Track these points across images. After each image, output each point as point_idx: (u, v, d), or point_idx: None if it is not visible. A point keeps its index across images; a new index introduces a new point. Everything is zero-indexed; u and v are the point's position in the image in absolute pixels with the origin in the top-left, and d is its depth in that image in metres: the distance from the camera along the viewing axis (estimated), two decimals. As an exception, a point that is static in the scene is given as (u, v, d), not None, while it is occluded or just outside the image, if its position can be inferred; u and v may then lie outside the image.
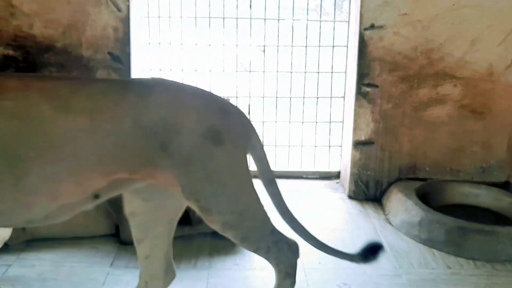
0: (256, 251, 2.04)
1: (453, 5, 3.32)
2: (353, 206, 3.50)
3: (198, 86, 2.03)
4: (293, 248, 2.10)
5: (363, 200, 3.57)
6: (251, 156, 2.00)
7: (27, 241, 2.87)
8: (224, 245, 2.92)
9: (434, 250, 2.90)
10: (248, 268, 2.71)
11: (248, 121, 2.01)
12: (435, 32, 3.36)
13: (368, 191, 3.59)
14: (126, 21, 3.38)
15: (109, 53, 3.38)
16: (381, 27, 3.35)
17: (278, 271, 2.08)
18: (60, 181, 1.74)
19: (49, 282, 2.54)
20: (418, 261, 2.81)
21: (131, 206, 2.06)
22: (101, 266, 2.69)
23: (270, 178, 2.06)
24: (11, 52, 3.41)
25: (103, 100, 1.79)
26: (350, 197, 3.62)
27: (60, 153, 1.71)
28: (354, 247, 2.92)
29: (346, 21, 3.66)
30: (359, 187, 3.59)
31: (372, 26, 3.35)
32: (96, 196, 1.87)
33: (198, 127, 1.80)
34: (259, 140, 2.02)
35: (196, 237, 2.98)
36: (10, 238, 2.73)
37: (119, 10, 3.36)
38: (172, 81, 1.97)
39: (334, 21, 3.88)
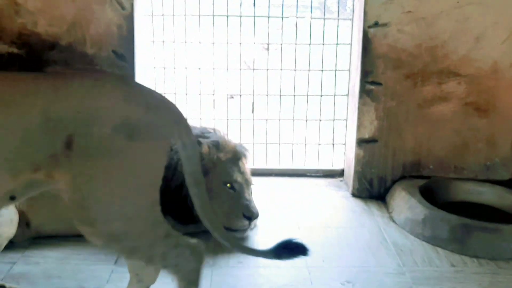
0: (150, 261, 1.91)
1: (457, 2, 3.31)
2: (357, 204, 3.50)
3: (141, 82, 1.95)
4: (197, 252, 1.99)
5: (367, 198, 3.57)
6: (180, 155, 1.95)
7: (32, 238, 2.88)
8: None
9: (438, 248, 2.90)
10: (252, 266, 2.71)
11: (180, 118, 1.93)
12: (439, 29, 3.35)
13: (372, 189, 3.59)
14: (130, 19, 3.38)
15: (113, 51, 3.39)
16: (385, 24, 3.34)
17: (180, 279, 1.97)
18: None
19: (54, 279, 2.55)
20: (422, 259, 2.81)
21: None
22: (106, 263, 2.70)
23: (198, 179, 2.01)
24: (15, 50, 3.42)
25: (11, 92, 1.71)
26: (353, 195, 3.62)
27: None
28: (357, 245, 2.94)
29: (350, 19, 3.66)
30: (363, 185, 3.59)
31: (376, 24, 3.34)
32: (12, 198, 1.77)
33: (112, 119, 1.72)
34: (191, 139, 1.95)
35: (200, 235, 2.96)
36: (15, 236, 2.74)
37: (123, 8, 3.37)
38: (105, 73, 1.87)
39: (338, 19, 3.88)
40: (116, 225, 1.79)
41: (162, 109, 1.87)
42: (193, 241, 1.99)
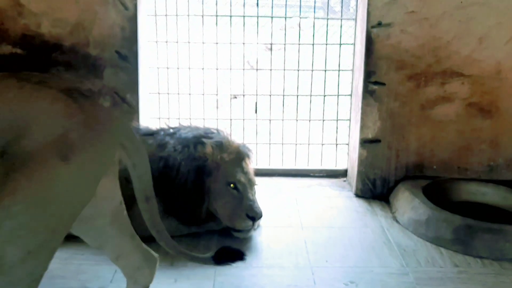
0: None
1: (461, 2, 3.30)
2: (360, 204, 3.50)
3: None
4: None
5: (370, 198, 3.57)
6: (130, 173, 1.89)
7: (35, 238, 2.89)
8: (231, 243, 2.92)
9: (442, 249, 2.90)
10: (255, 266, 2.71)
11: (129, 137, 1.84)
12: (443, 30, 3.35)
13: (375, 189, 3.58)
14: (133, 19, 3.39)
15: (117, 51, 3.40)
16: (388, 25, 3.34)
17: None
18: None
19: (57, 279, 2.56)
20: (425, 259, 2.80)
21: None
22: (109, 263, 2.66)
23: (148, 196, 1.96)
24: (19, 51, 3.43)
25: None
26: (357, 195, 3.62)
27: None
28: (361, 245, 2.94)
29: (353, 19, 3.66)
30: (366, 185, 3.59)
31: (379, 24, 3.34)
32: None
33: (46, 135, 1.57)
34: (142, 158, 1.88)
35: (203, 235, 2.99)
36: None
37: (126, 8, 3.37)
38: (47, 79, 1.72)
39: (341, 19, 3.88)
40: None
41: (104, 130, 1.71)
42: None
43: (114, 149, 1.78)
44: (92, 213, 1.90)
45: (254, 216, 2.93)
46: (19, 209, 1.54)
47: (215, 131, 3.14)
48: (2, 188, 1.52)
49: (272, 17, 3.88)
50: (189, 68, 3.94)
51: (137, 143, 1.88)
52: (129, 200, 3.02)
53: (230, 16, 3.84)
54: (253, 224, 2.95)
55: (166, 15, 3.81)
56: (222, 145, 3.03)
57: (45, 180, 1.57)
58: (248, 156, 3.11)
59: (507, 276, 2.65)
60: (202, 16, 3.84)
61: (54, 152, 1.57)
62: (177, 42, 3.84)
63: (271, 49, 3.96)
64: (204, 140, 3.01)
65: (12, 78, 1.70)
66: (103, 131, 1.71)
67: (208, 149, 2.95)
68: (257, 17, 3.88)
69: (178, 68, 3.93)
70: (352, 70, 3.72)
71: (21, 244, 1.57)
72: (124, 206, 2.09)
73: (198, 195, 2.91)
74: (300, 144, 4.08)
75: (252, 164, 3.17)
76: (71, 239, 2.86)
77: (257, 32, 3.86)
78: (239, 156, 3.05)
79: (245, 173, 3.03)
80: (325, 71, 3.96)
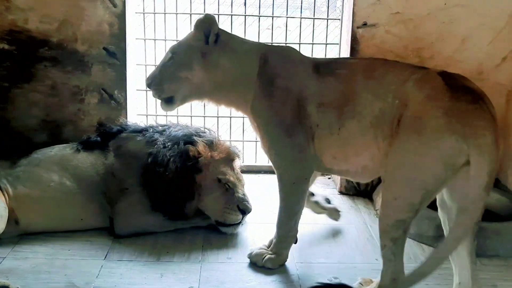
0: None
1: (444, 4, 3.36)
2: (344, 201, 3.54)
3: None
4: None
5: (354, 196, 3.61)
6: None
7: (20, 235, 2.90)
8: (217, 239, 2.96)
9: (424, 245, 2.95)
10: (240, 262, 2.74)
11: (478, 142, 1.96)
12: (426, 31, 3.40)
13: (359, 186, 3.63)
14: (121, 16, 3.40)
15: (105, 48, 3.41)
16: (373, 25, 3.38)
17: None
18: None
19: (43, 274, 2.56)
20: (408, 255, 2.84)
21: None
22: (95, 259, 2.72)
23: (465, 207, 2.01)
24: (6, 47, 3.42)
25: None
26: (341, 192, 3.66)
27: None
28: (345, 242, 2.99)
29: (339, 19, 3.70)
30: (350, 183, 3.63)
31: (365, 24, 3.39)
32: None
33: (412, 112, 2.08)
34: (480, 156, 1.95)
35: (189, 231, 3.01)
36: (3, 233, 2.73)
37: (114, 5, 3.39)
38: None
39: (327, 19, 3.92)
40: None
41: (466, 122, 2.00)
42: None
43: (461, 140, 1.98)
44: (448, 204, 2.28)
45: (244, 209, 2.96)
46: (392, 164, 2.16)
47: (205, 130, 3.18)
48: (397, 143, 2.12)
49: (259, 16, 3.91)
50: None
51: (481, 141, 1.96)
52: (115, 194, 3.04)
53: (218, 15, 3.86)
54: (243, 218, 2.99)
55: (154, 13, 3.82)
56: (212, 144, 3.07)
57: (404, 147, 2.09)
58: (238, 157, 3.16)
59: (487, 272, 2.69)
60: (190, 14, 3.86)
61: (412, 125, 2.07)
62: (165, 40, 3.86)
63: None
64: (195, 138, 3.04)
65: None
66: (457, 119, 2.00)
67: (201, 147, 2.99)
68: (245, 16, 3.91)
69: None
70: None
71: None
72: (476, 223, 2.18)
73: (187, 191, 2.94)
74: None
75: (240, 164, 3.21)
76: (57, 234, 2.91)
77: (245, 31, 3.88)
78: (229, 156, 3.09)
79: (235, 173, 3.07)
80: (311, 70, 3.99)
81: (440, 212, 2.38)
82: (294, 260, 2.76)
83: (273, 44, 2.65)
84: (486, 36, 3.42)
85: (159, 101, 2.68)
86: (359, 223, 3.21)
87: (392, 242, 2.20)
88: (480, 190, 1.94)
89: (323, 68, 2.48)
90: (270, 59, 2.54)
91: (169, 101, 2.62)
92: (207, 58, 2.52)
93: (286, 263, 2.71)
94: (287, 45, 2.76)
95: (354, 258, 2.82)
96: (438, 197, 2.33)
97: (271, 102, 2.49)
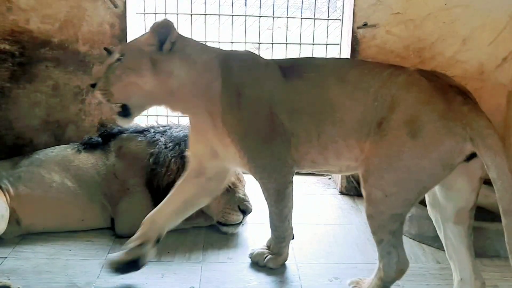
0: None
1: (445, 4, 3.36)
2: (345, 202, 3.54)
3: None
4: None
5: (355, 196, 3.61)
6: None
7: (22, 235, 2.91)
8: (217, 239, 2.97)
9: (424, 245, 2.95)
10: (241, 262, 2.74)
11: (482, 135, 1.97)
12: (427, 31, 3.41)
13: (360, 187, 3.61)
14: (122, 17, 3.41)
15: (106, 49, 3.40)
16: (374, 25, 3.39)
17: None
18: None
19: (44, 274, 2.57)
20: (408, 256, 2.78)
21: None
22: (96, 259, 2.72)
23: (505, 209, 1.99)
24: (7, 47, 3.43)
25: None
26: (342, 192, 3.66)
27: None
28: (345, 242, 2.99)
29: (340, 20, 3.70)
30: (351, 183, 3.63)
31: (365, 25, 3.39)
32: None
33: (405, 114, 2.06)
34: (495, 155, 1.95)
35: (190, 231, 3.02)
36: (5, 233, 2.74)
37: (115, 6, 3.39)
38: None
39: (327, 19, 3.92)
40: None
41: (459, 122, 2.02)
42: None
43: (461, 141, 1.99)
44: (443, 204, 2.26)
45: (245, 209, 2.97)
46: (379, 164, 2.12)
47: None
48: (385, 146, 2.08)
49: (260, 17, 3.92)
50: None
51: (489, 141, 1.96)
52: (117, 195, 3.05)
53: (219, 15, 3.87)
54: (243, 218, 3.00)
55: (155, 14, 3.83)
56: None
57: (396, 149, 2.06)
58: None
59: (487, 273, 2.68)
60: (191, 15, 3.87)
61: (405, 129, 2.03)
62: (165, 40, 3.85)
63: (258, 48, 4.00)
64: None
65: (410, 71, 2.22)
66: (454, 122, 1.99)
67: None
68: (245, 16, 3.92)
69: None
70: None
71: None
72: (471, 217, 2.23)
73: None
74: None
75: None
76: (58, 234, 2.92)
77: (245, 31, 3.89)
78: None
79: (236, 173, 3.07)
80: (312, 70, 3.99)
81: (430, 211, 2.37)
82: (295, 260, 2.76)
83: (233, 50, 2.41)
84: (487, 37, 3.43)
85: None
86: (360, 223, 3.21)
87: (391, 235, 2.19)
88: (511, 186, 1.93)
89: (290, 71, 2.35)
90: (234, 67, 2.38)
91: (124, 114, 2.37)
92: (159, 65, 2.30)
93: (287, 263, 2.72)
94: (247, 50, 2.52)
95: (354, 258, 2.82)
96: (428, 196, 2.33)
97: (242, 115, 2.35)
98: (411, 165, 2.06)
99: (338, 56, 3.76)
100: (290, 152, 2.37)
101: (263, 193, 2.54)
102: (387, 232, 2.19)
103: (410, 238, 3.02)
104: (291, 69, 2.36)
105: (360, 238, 3.04)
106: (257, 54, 2.54)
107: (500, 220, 3.05)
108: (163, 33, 2.29)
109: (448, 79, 2.18)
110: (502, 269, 2.74)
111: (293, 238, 2.76)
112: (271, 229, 2.66)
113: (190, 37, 2.50)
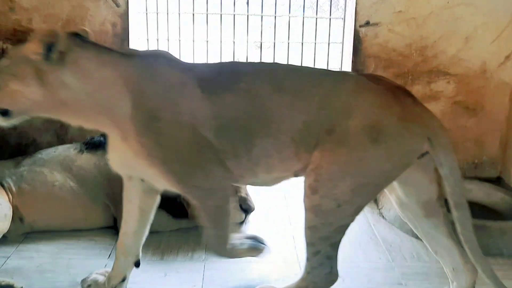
0: None
1: (447, 3, 3.36)
2: (348, 201, 3.53)
3: None
4: None
5: (357, 195, 3.60)
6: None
7: (25, 233, 2.91)
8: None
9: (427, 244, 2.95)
10: (243, 261, 2.73)
11: (437, 134, 2.00)
12: (430, 30, 3.40)
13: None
14: (124, 16, 3.41)
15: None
16: (376, 24, 3.39)
17: None
18: None
19: (47, 273, 2.57)
20: (411, 254, 2.85)
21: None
22: (99, 258, 2.73)
23: (457, 202, 2.05)
24: (10, 46, 3.43)
25: None
26: (344, 192, 3.65)
27: None
28: (347, 241, 2.96)
29: (342, 18, 3.70)
30: (354, 182, 3.62)
31: (367, 23, 3.39)
32: None
33: (363, 119, 1.98)
34: (447, 153, 2.00)
35: (193, 230, 3.01)
36: (9, 231, 2.75)
37: (117, 5, 3.39)
38: None
39: (330, 18, 3.92)
40: None
41: (417, 123, 2.02)
42: None
43: (421, 141, 2.01)
44: (406, 201, 2.26)
45: (247, 208, 2.98)
46: (334, 173, 2.02)
47: None
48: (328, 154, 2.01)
49: (262, 16, 3.91)
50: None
51: (443, 140, 2.01)
52: (119, 195, 3.06)
53: (221, 14, 3.87)
54: (246, 217, 3.00)
55: (157, 13, 3.82)
56: None
57: (356, 155, 1.98)
58: None
59: (490, 271, 2.69)
60: (193, 14, 3.86)
61: (366, 134, 1.97)
62: (167, 39, 3.86)
63: (260, 47, 4.00)
64: None
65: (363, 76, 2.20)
66: (413, 123, 2.00)
67: None
68: (247, 15, 3.91)
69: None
70: (340, 68, 3.77)
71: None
72: (442, 206, 2.23)
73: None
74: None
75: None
76: (61, 233, 2.92)
77: (247, 30, 3.88)
78: None
79: None
80: (314, 69, 3.99)
81: (401, 213, 2.34)
82: (297, 259, 2.76)
83: (142, 62, 2.13)
84: (490, 35, 3.43)
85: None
86: (362, 222, 3.21)
87: (330, 247, 2.13)
88: (461, 181, 2.05)
89: (216, 84, 2.14)
90: (147, 92, 2.10)
91: (5, 114, 2.11)
92: (47, 76, 2.04)
93: (289, 261, 2.72)
94: (160, 56, 2.20)
95: (357, 256, 2.82)
96: (394, 199, 2.31)
97: (163, 140, 2.10)
98: (371, 170, 2.01)
99: (338, 56, 3.76)
100: (225, 165, 2.16)
101: (200, 216, 2.23)
102: (328, 244, 2.12)
103: (413, 236, 3.01)
104: (216, 81, 2.15)
105: (362, 236, 3.04)
106: (172, 62, 2.20)
107: (502, 219, 3.07)
108: (48, 40, 2.02)
109: (390, 81, 2.17)
110: (505, 267, 2.74)
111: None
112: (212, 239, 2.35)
113: (101, 46, 2.18)
